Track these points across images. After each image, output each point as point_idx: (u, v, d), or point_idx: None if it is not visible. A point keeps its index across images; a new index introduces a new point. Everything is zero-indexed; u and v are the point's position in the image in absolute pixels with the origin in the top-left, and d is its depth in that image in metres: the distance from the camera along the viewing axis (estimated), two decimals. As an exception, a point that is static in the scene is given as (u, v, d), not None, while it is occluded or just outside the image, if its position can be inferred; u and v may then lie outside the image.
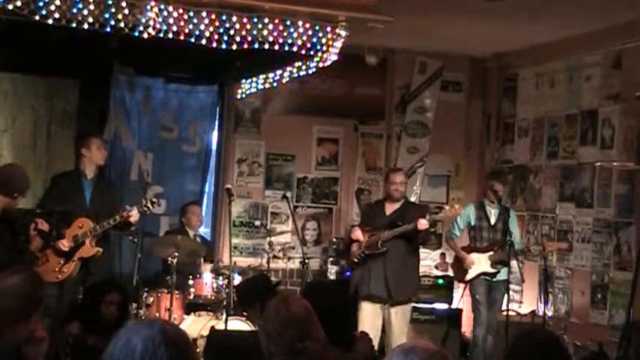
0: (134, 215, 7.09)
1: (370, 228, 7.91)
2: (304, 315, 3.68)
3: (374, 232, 7.84)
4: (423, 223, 7.56)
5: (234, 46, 6.83)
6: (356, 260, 7.90)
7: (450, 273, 9.64)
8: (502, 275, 8.13)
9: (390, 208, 7.98)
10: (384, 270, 7.73)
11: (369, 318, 7.65)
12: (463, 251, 8.43)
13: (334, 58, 7.30)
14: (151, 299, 7.60)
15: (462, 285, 8.93)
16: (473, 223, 8.45)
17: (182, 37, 6.66)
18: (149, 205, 7.18)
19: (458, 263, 8.50)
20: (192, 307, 7.78)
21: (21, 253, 6.60)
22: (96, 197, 7.36)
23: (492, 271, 8.20)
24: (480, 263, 8.26)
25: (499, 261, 8.16)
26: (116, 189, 8.21)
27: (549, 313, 8.42)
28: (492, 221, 8.36)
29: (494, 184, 8.35)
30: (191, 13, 6.58)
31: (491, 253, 8.22)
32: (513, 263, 8.11)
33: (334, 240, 9.67)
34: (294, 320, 3.63)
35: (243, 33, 6.75)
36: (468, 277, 8.30)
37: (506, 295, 8.08)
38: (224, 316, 7.14)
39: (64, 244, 6.98)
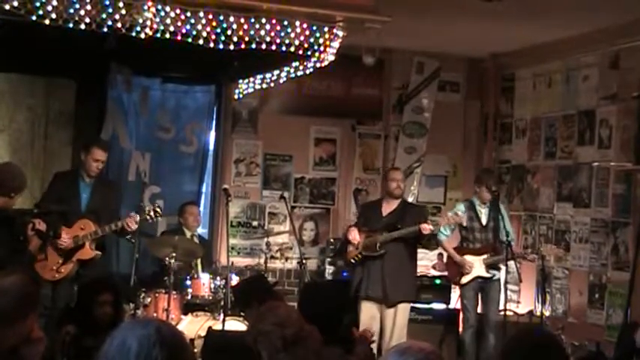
0: (133, 223, 7.11)
1: (367, 228, 7.89)
2: (298, 314, 3.69)
3: (371, 232, 7.82)
4: (426, 228, 7.53)
5: (232, 47, 6.82)
6: (353, 261, 7.89)
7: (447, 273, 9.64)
8: (496, 275, 8.11)
9: (387, 208, 7.94)
10: (381, 272, 7.72)
11: (367, 319, 7.65)
12: (457, 253, 8.28)
13: (332, 58, 7.30)
14: (149, 299, 7.59)
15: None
16: (465, 224, 8.28)
17: (179, 37, 6.65)
18: (152, 214, 7.26)
19: (454, 264, 8.34)
20: (190, 307, 7.76)
21: (19, 253, 6.58)
22: (94, 199, 7.35)
23: (487, 275, 8.09)
24: (475, 267, 8.15)
25: (493, 265, 8.10)
26: (117, 190, 8.03)
27: (547, 313, 8.41)
28: (484, 221, 8.23)
29: (490, 184, 8.20)
30: (188, 13, 6.57)
31: (485, 256, 8.10)
32: (510, 263, 8.07)
33: (332, 240, 9.66)
34: (291, 315, 3.63)
35: (241, 33, 6.74)
36: (465, 280, 8.19)
37: (503, 294, 8.06)
38: (221, 317, 7.13)
39: (65, 242, 6.97)
